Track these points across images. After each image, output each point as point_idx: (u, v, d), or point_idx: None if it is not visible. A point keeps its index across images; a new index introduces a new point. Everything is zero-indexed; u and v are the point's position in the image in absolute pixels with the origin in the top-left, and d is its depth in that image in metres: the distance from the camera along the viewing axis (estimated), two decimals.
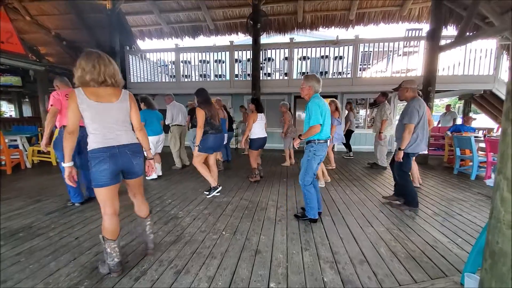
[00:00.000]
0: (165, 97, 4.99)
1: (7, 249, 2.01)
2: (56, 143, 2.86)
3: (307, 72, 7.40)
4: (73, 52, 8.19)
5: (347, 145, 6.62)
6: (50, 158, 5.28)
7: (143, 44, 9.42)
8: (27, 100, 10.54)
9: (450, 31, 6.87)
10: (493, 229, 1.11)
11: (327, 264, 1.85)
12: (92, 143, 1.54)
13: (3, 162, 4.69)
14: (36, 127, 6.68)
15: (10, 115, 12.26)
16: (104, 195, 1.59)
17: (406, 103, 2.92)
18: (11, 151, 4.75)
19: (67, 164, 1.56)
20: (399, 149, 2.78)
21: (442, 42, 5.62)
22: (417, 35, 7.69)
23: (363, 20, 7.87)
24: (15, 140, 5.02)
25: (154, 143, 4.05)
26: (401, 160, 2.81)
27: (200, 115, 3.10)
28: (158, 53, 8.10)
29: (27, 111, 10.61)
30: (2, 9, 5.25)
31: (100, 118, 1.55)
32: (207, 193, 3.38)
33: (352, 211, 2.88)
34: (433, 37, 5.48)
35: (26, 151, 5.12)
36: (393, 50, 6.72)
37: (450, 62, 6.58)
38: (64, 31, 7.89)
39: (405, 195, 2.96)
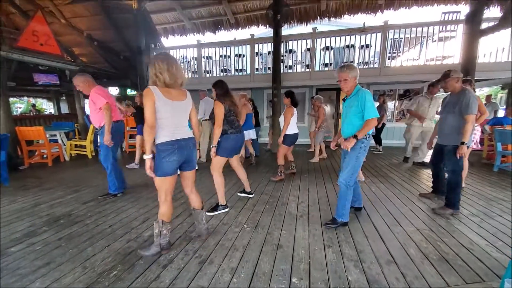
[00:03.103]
0: (199, 92, 5.19)
1: (51, 234, 2.22)
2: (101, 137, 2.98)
3: (330, 63, 7.13)
4: (103, 52, 8.66)
5: (378, 138, 6.31)
6: (86, 151, 5.71)
7: (166, 41, 9.69)
8: (64, 98, 11.40)
9: (492, 12, 6.16)
10: None
11: (351, 262, 1.80)
12: (163, 137, 1.74)
13: (45, 156, 5.16)
14: (73, 123, 7.22)
15: (50, 112, 13.39)
16: (168, 183, 1.80)
17: (449, 95, 2.68)
18: (51, 145, 5.20)
19: (148, 156, 1.70)
20: (462, 143, 2.46)
21: (484, 26, 5.06)
22: (454, 18, 7.00)
23: (393, 4, 7.29)
24: (55, 135, 5.48)
25: None
26: (463, 156, 2.50)
27: (220, 110, 2.51)
28: (180, 50, 8.28)
29: (64, 109, 11.49)
30: (39, 13, 5.66)
31: (174, 114, 1.76)
32: (210, 213, 2.66)
33: (378, 209, 2.76)
34: (473, 20, 4.95)
35: (65, 145, 5.58)
36: (427, 36, 6.20)
37: (493, 48, 5.93)
38: (95, 32, 8.34)
39: (452, 196, 2.61)
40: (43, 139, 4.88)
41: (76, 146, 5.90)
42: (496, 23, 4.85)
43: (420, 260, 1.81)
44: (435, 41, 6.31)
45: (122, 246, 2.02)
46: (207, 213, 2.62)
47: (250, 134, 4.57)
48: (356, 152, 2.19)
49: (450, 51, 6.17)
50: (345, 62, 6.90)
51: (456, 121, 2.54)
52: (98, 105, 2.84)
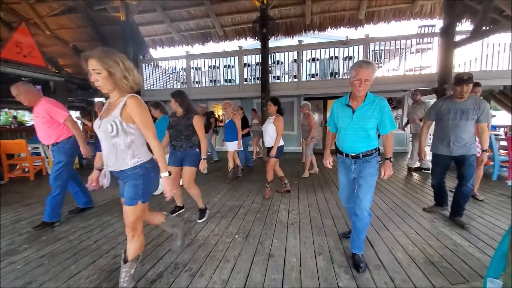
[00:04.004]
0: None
1: (32, 252, 2.12)
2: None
3: (316, 74, 7.36)
4: None
5: None
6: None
7: (155, 52, 9.72)
8: None
9: (465, 26, 6.63)
10: None
11: (341, 268, 1.82)
12: (148, 153, 1.54)
13: (26, 169, 4.95)
14: None
15: (32, 124, 12.92)
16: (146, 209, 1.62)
17: (451, 101, 2.44)
18: (34, 159, 5.00)
19: (165, 174, 1.50)
20: (484, 151, 2.42)
21: (457, 38, 5.43)
22: (430, 31, 7.46)
23: (373, 18, 7.73)
24: (37, 148, 5.28)
25: None
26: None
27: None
28: (169, 61, 8.32)
29: None
30: (23, 25, 5.58)
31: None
32: (201, 220, 2.74)
33: None
34: (447, 33, 5.30)
35: (48, 158, 5.38)
36: (405, 48, 6.56)
37: (467, 58, 6.34)
38: (81, 43, 8.27)
39: (463, 206, 2.52)
40: (25, 152, 4.70)
41: None
42: (468, 36, 5.22)
43: (407, 264, 1.86)
44: (413, 52, 6.69)
45: (107, 262, 1.95)
46: (198, 221, 2.71)
47: (230, 146, 4.44)
48: (374, 171, 1.80)
49: (428, 62, 6.54)
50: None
51: (473, 128, 2.39)
52: (58, 118, 2.55)
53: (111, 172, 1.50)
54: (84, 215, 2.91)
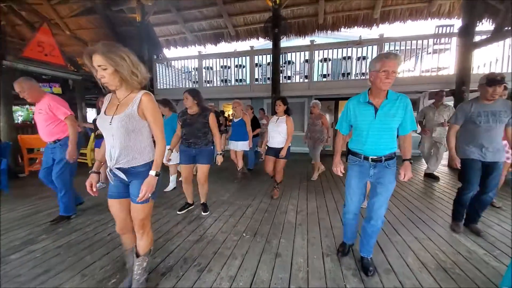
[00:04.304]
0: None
1: (49, 242, 2.22)
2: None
3: (328, 74, 7.27)
4: None
5: None
6: (86, 159, 5.73)
7: (168, 52, 9.93)
8: None
9: (485, 26, 6.37)
10: None
11: (349, 271, 1.80)
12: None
13: None
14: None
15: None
16: None
17: (479, 102, 2.27)
18: None
19: (153, 173, 1.44)
20: None
21: (477, 38, 5.23)
22: (448, 32, 7.22)
23: (388, 18, 7.57)
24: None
25: None
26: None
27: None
28: (182, 61, 8.47)
29: None
30: (45, 25, 5.84)
31: None
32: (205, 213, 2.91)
33: None
34: (466, 33, 5.13)
35: None
36: (421, 48, 6.38)
37: (487, 59, 6.08)
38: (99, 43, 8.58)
39: (480, 214, 2.42)
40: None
41: None
42: (488, 36, 5.02)
43: (418, 269, 1.82)
44: (430, 53, 6.49)
45: (121, 254, 2.01)
46: (203, 213, 2.88)
47: (239, 145, 4.41)
48: (394, 178, 1.68)
49: (445, 63, 6.33)
50: (342, 73, 7.07)
51: (502, 132, 2.24)
52: (60, 116, 2.54)
53: (112, 170, 1.42)
54: (98, 209, 3.02)
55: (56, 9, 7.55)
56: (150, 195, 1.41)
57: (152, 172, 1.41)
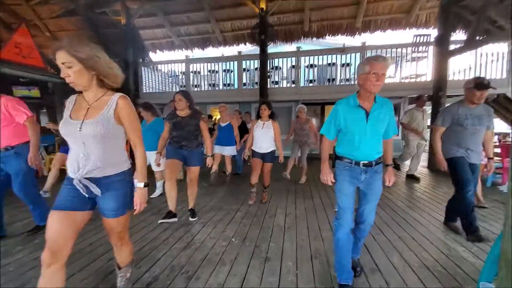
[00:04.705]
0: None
1: (25, 254, 2.09)
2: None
3: (314, 80, 7.44)
4: None
5: None
6: (65, 166, 5.47)
7: (155, 56, 9.79)
8: (45, 110, 11.02)
9: (459, 36, 6.80)
10: (507, 238, 1.08)
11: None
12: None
13: None
14: (53, 137, 6.93)
15: None
16: None
17: (465, 106, 2.35)
18: None
19: (141, 185, 1.37)
20: (491, 158, 2.38)
21: (452, 47, 5.57)
22: (425, 41, 7.65)
23: (369, 27, 7.92)
24: None
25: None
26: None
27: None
28: (169, 65, 8.38)
29: (44, 121, 11.06)
30: (23, 26, 5.60)
31: None
32: (193, 218, 2.85)
33: None
34: (442, 42, 5.45)
35: (44, 159, 5.33)
36: (401, 56, 6.70)
37: (461, 67, 6.49)
38: (64, 38, 8.33)
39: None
40: None
41: None
42: (462, 45, 5.35)
43: (403, 268, 1.87)
44: (409, 60, 6.83)
45: (102, 265, 1.93)
46: (191, 219, 2.82)
47: (226, 150, 4.41)
48: (381, 183, 1.66)
49: (423, 70, 6.68)
50: (327, 79, 7.27)
51: (482, 135, 2.34)
52: (19, 118, 2.23)
53: (81, 181, 1.23)
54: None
55: (36, 10, 7.28)
56: (127, 208, 1.33)
57: (140, 184, 1.34)
